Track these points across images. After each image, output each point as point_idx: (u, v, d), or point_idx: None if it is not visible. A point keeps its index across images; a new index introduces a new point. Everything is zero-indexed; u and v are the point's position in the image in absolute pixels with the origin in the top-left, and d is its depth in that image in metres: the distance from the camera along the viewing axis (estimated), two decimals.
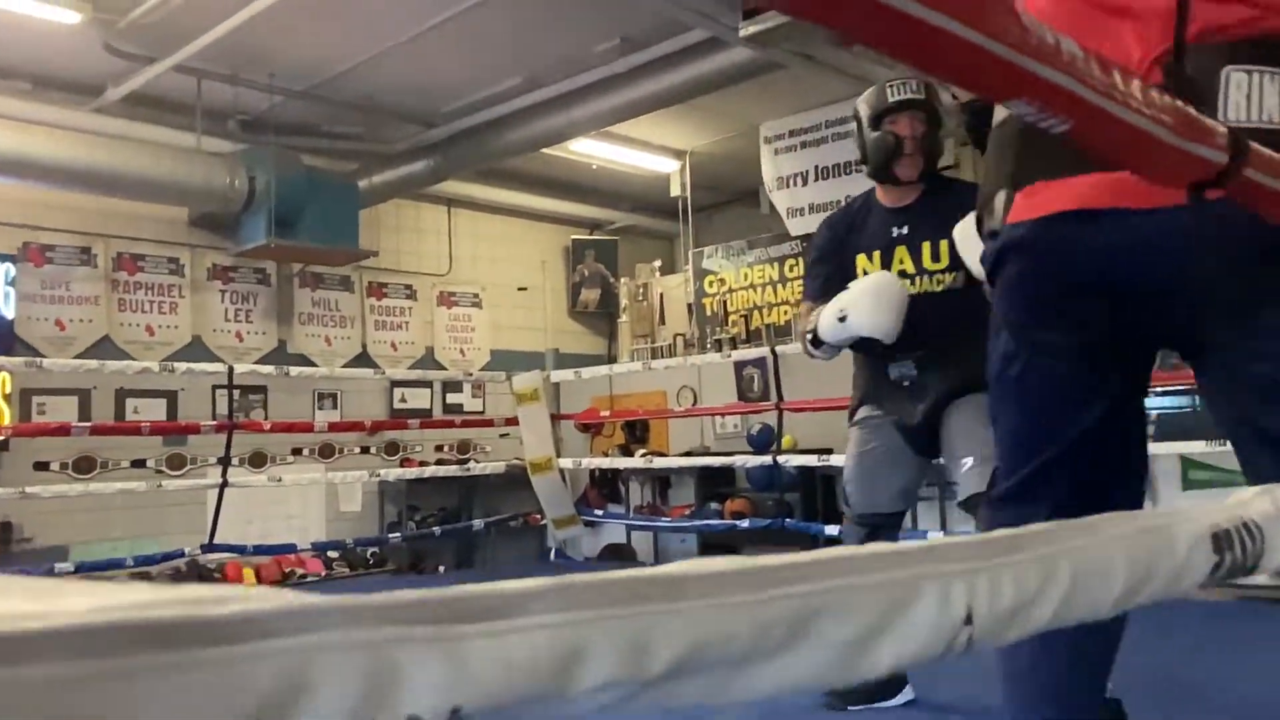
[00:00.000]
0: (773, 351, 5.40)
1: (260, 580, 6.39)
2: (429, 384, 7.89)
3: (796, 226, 6.78)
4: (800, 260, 7.03)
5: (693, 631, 0.33)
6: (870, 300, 2.52)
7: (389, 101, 6.39)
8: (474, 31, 5.37)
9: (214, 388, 6.53)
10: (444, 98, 6.34)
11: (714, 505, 6.92)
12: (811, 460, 5.37)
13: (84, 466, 6.13)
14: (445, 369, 8.03)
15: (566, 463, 6.47)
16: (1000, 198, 1.25)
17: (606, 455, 7.64)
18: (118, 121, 5.90)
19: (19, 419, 5.90)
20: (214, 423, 5.77)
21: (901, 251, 2.66)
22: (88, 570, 5.29)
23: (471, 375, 7.73)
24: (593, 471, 7.54)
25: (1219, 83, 1.12)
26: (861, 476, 2.78)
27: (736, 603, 0.34)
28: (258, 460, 6.83)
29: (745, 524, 5.82)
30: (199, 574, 6.07)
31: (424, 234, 8.14)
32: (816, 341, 2.67)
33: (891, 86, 2.69)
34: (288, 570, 6.59)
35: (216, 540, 5.38)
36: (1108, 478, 1.31)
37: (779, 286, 7.49)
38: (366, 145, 6.85)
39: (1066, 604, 0.49)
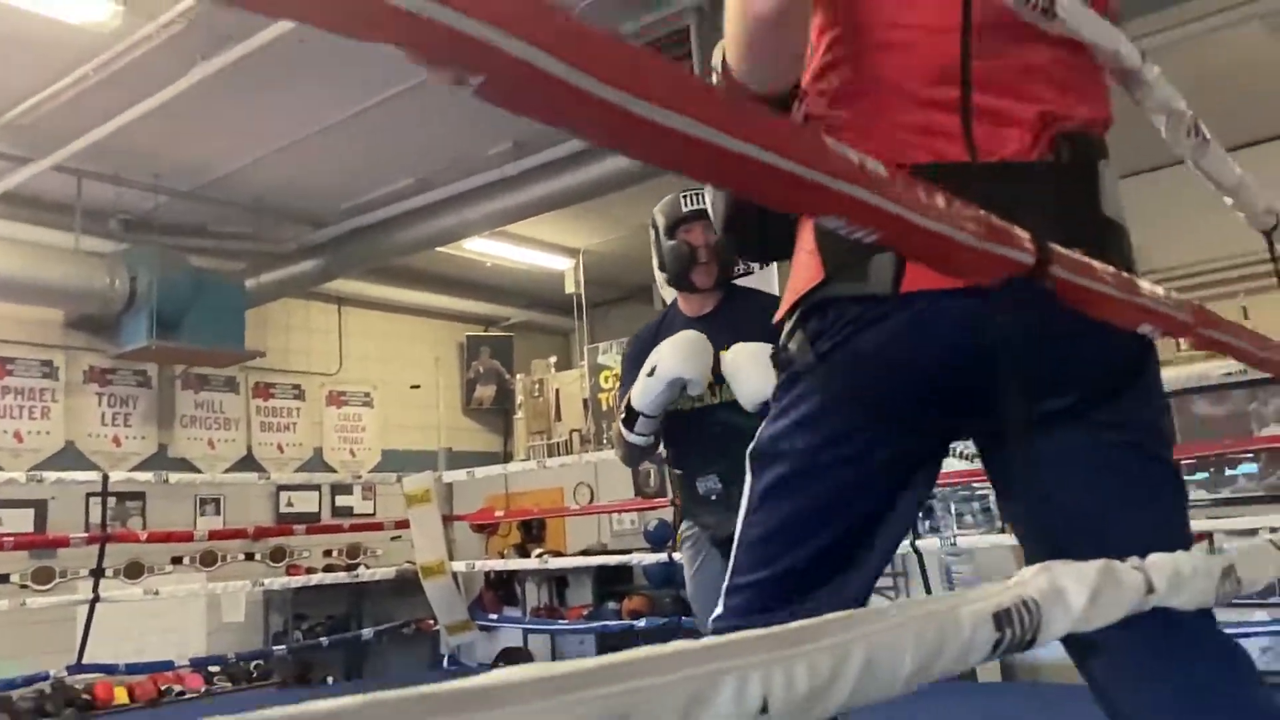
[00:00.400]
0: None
1: (134, 700, 6.02)
2: (317, 487, 7.67)
3: None
4: None
5: None
6: (678, 350, 2.53)
7: (278, 201, 6.32)
8: (365, 134, 5.38)
9: (88, 495, 6.22)
10: (334, 198, 6.31)
11: (611, 604, 6.83)
12: None
13: None
14: (334, 470, 7.82)
15: (460, 565, 6.32)
16: (884, 259, 1.08)
17: (503, 555, 7.50)
18: None
19: None
20: (85, 534, 5.48)
21: None
22: None
23: (361, 477, 7.55)
24: (487, 574, 7.38)
25: (1099, 174, 1.13)
26: (700, 594, 2.78)
27: (549, 707, 0.36)
28: (134, 571, 6.50)
29: (643, 623, 5.75)
30: (66, 697, 5.69)
31: (313, 333, 8.00)
32: (631, 416, 2.61)
33: (685, 197, 2.71)
34: (164, 688, 6.23)
35: (86, 659, 5.08)
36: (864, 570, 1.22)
37: None
38: (255, 245, 6.74)
39: (860, 686, 0.52)
